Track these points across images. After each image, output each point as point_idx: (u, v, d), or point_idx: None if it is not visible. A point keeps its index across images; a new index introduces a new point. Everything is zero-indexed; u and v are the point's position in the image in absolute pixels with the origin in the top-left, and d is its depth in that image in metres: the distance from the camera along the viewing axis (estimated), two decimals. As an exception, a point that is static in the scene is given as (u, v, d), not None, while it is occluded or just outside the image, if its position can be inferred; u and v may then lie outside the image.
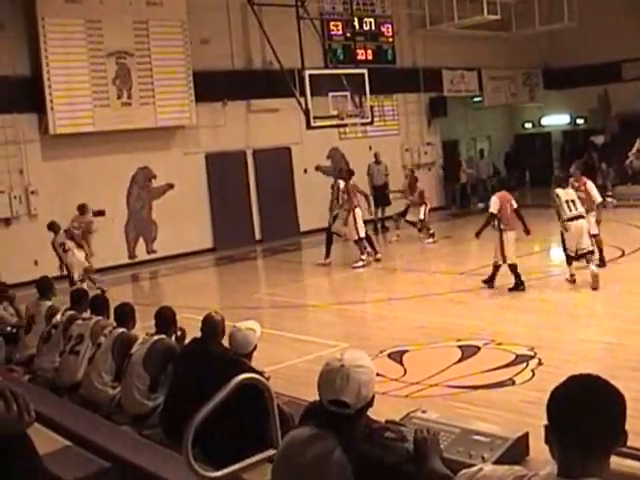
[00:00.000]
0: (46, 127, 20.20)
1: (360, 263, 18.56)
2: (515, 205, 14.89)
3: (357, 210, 18.91)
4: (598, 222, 15.78)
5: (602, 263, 15.57)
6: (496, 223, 14.74)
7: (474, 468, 2.89)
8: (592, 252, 14.55)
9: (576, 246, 14.25)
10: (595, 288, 13.82)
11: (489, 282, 14.92)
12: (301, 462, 3.44)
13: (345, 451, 3.35)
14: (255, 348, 6.26)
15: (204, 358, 6.35)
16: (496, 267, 14.78)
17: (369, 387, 3.53)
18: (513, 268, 14.51)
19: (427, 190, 23.65)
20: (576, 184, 15.82)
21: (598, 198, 15.88)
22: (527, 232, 15.08)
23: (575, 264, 14.45)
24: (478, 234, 15.19)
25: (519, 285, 14.47)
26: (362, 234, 18.84)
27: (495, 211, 14.67)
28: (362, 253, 18.74)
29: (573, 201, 14.41)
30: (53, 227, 17.10)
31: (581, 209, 14.40)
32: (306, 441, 3.47)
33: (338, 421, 3.45)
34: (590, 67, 30.66)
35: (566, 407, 2.58)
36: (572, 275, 14.55)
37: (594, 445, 2.55)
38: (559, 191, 14.60)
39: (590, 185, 15.99)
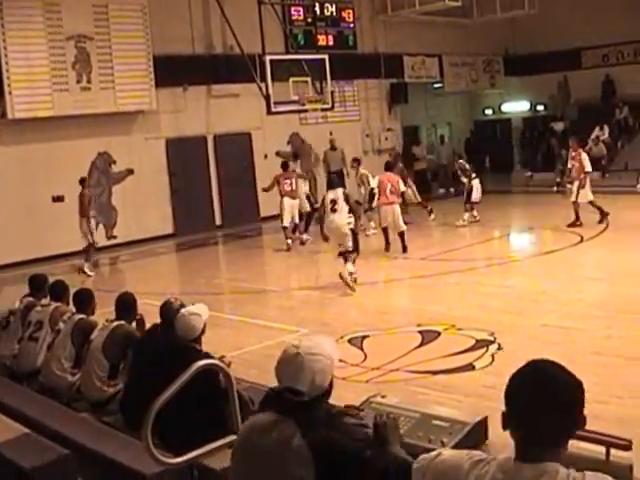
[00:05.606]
0: (4, 111, 19.90)
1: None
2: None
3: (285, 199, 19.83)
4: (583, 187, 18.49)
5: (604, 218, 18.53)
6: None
7: (433, 453, 2.90)
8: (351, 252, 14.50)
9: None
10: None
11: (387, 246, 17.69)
12: (261, 448, 3.43)
13: (304, 437, 3.33)
14: (203, 332, 6.22)
15: (163, 344, 6.32)
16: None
17: (324, 376, 3.51)
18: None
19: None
20: (573, 153, 19.19)
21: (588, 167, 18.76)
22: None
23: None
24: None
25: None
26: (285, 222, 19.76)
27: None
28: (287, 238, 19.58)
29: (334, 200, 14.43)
30: None
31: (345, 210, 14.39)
32: (266, 427, 3.45)
33: (296, 408, 3.42)
34: (550, 54, 30.89)
35: (524, 394, 2.59)
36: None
37: (551, 430, 2.57)
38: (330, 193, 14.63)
39: (584, 156, 18.96)
